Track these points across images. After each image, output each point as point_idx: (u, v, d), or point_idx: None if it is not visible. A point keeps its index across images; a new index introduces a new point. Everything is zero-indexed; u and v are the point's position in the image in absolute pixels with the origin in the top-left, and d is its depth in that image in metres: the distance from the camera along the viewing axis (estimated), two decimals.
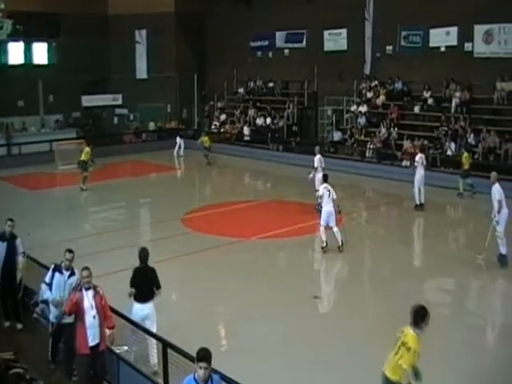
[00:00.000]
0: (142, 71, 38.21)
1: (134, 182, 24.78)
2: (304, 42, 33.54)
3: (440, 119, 26.08)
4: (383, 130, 27.64)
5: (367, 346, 10.30)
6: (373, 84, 29.96)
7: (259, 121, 33.41)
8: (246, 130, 33.45)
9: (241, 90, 36.39)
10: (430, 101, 27.28)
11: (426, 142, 25.81)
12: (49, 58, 35.35)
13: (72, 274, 9.34)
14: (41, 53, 35.15)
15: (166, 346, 8.23)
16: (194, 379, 6.17)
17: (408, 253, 16.05)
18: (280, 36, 34.78)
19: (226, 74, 36.45)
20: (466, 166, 22.00)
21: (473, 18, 25.64)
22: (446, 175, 23.68)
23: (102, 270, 13.54)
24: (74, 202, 22.80)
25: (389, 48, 29.55)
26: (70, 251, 9.41)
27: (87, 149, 24.14)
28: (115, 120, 37.49)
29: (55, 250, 14.94)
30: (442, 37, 27.38)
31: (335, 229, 15.43)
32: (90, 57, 34.84)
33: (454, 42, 26.95)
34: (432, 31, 27.60)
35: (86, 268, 8.43)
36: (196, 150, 30.78)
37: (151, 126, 37.70)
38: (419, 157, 20.15)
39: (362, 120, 29.06)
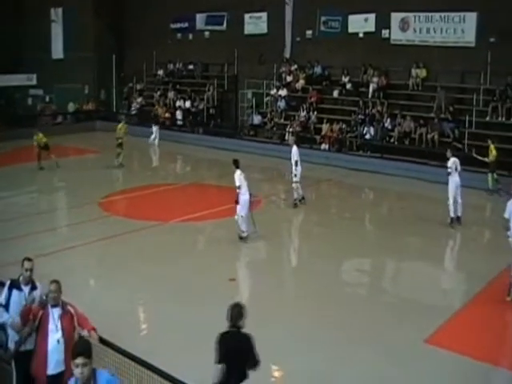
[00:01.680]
0: (57, 51, 37.03)
1: (49, 166, 23.96)
2: (224, 24, 33.27)
3: (358, 104, 26.55)
4: (302, 114, 27.87)
5: (284, 326, 10.41)
6: (292, 68, 30.13)
7: (179, 103, 33.02)
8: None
9: (160, 72, 35.83)
10: (348, 85, 27.74)
11: (344, 126, 26.26)
12: None
13: (33, 288, 7.68)
14: None
15: None
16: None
17: (326, 235, 16.25)
18: (200, 18, 34.33)
19: (146, 56, 35.82)
20: (493, 158, 20.01)
21: (390, 6, 26.15)
22: (362, 159, 24.25)
23: (16, 256, 13.11)
24: None
25: (308, 32, 29.76)
26: (29, 260, 7.68)
27: (120, 125, 25.06)
28: (29, 101, 36.16)
29: None
30: (361, 23, 27.81)
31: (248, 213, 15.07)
32: (2, 34, 33.39)
33: (372, 29, 27.43)
34: (351, 17, 27.96)
35: (55, 281, 6.97)
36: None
37: (71, 107, 36.60)
38: (452, 162, 16.46)
39: (281, 104, 29.22)
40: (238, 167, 15.06)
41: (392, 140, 24.74)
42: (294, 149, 18.37)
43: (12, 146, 27.74)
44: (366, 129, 25.49)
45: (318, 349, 9.66)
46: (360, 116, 26.15)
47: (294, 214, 18.66)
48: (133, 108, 35.13)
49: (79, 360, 5.25)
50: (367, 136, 25.49)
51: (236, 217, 14.93)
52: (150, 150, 29.56)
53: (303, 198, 18.63)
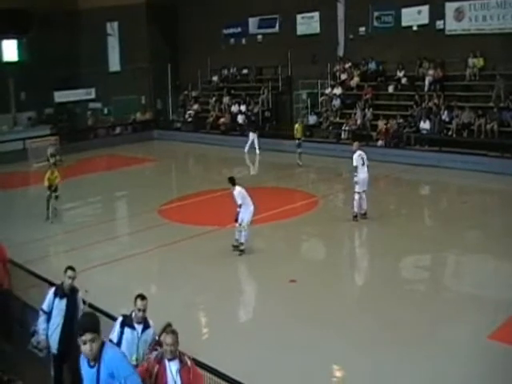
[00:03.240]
0: (114, 64, 37.82)
1: (110, 176, 24.52)
2: (277, 27, 33.36)
3: (414, 98, 26.10)
4: (358, 112, 27.60)
5: (344, 326, 10.31)
6: (346, 66, 29.92)
7: (234, 108, 33.19)
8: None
9: (215, 78, 36.14)
10: (403, 80, 27.34)
11: (401, 120, 25.86)
12: (19, 55, 34.57)
13: (146, 327, 7.09)
14: (11, 50, 34.44)
15: None
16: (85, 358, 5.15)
17: (384, 231, 15.97)
18: (253, 22, 34.54)
19: (200, 63, 36.12)
20: None
21: None
22: (420, 153, 23.95)
23: (82, 265, 13.46)
24: None
25: (361, 29, 29.55)
26: (143, 298, 7.03)
27: (297, 126, 25.37)
28: (89, 114, 37.00)
29: (37, 248, 14.94)
30: (414, 16, 27.43)
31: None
32: (62, 52, 34.25)
33: (426, 21, 27.02)
34: (404, 10, 27.63)
35: (172, 332, 6.06)
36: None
37: (138, 115, 37.20)
38: None
39: (336, 102, 28.98)
40: (234, 184, 14.38)
41: (450, 133, 24.21)
42: (356, 154, 16.59)
43: (75, 158, 28.53)
44: (422, 123, 25.00)
45: (380, 347, 9.54)
46: (416, 110, 25.68)
47: (350, 211, 18.45)
48: (188, 115, 35.48)
49: (86, 336, 5.09)
50: (424, 130, 25.02)
51: (242, 224, 14.29)
52: (204, 156, 29.84)
53: (365, 213, 16.72)
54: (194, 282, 12.81)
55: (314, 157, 25.84)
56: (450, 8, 26.03)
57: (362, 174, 16.46)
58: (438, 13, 26.35)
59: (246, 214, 14.26)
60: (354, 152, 16.68)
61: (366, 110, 27.41)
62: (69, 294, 8.01)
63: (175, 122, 36.69)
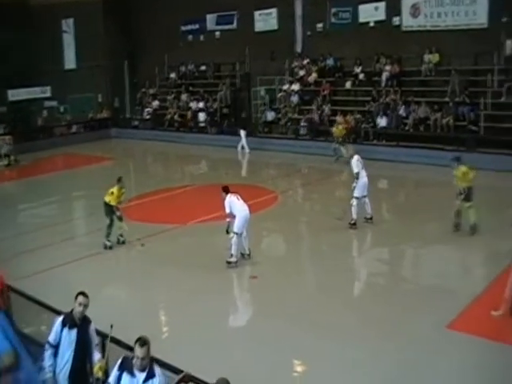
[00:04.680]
0: (70, 61, 37.35)
1: (67, 176, 24.08)
2: (235, 23, 33.26)
3: (371, 93, 26.33)
4: (315, 108, 27.72)
5: (305, 321, 10.32)
6: (304, 62, 29.95)
7: (193, 105, 32.98)
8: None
9: (173, 75, 35.81)
10: (361, 76, 27.52)
11: (358, 116, 26.07)
12: None
13: (150, 376, 6.00)
14: None
15: None
16: None
17: (343, 226, 15.99)
18: (211, 19, 34.38)
19: (158, 60, 35.85)
20: None
21: None
22: (378, 148, 24.23)
23: (38, 267, 13.27)
24: (4, 199, 22.02)
25: (319, 26, 29.60)
26: (143, 345, 5.97)
27: (334, 129, 24.93)
28: (44, 113, 36.36)
29: None
30: (371, 12, 27.64)
31: (245, 233, 13.40)
32: (15, 49, 33.72)
33: (383, 17, 27.24)
34: (361, 7, 27.84)
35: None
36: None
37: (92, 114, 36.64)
38: None
39: (294, 98, 29.01)
40: (227, 193, 13.49)
41: (407, 127, 24.54)
42: (354, 159, 15.43)
43: (31, 158, 28.05)
44: (379, 118, 25.25)
45: (345, 340, 9.60)
46: (374, 105, 25.91)
47: (310, 206, 18.57)
48: (146, 113, 35.16)
49: None
50: (381, 124, 25.27)
51: (231, 235, 13.23)
52: (163, 154, 29.63)
53: (371, 217, 15.67)
54: (154, 281, 12.64)
55: (272, 153, 25.95)
56: (406, 4, 26.34)
57: (363, 179, 15.42)
58: (394, 9, 26.61)
59: (237, 222, 13.26)
60: (351, 157, 15.51)
61: (324, 105, 27.52)
62: (79, 324, 6.96)
63: (133, 119, 36.33)
